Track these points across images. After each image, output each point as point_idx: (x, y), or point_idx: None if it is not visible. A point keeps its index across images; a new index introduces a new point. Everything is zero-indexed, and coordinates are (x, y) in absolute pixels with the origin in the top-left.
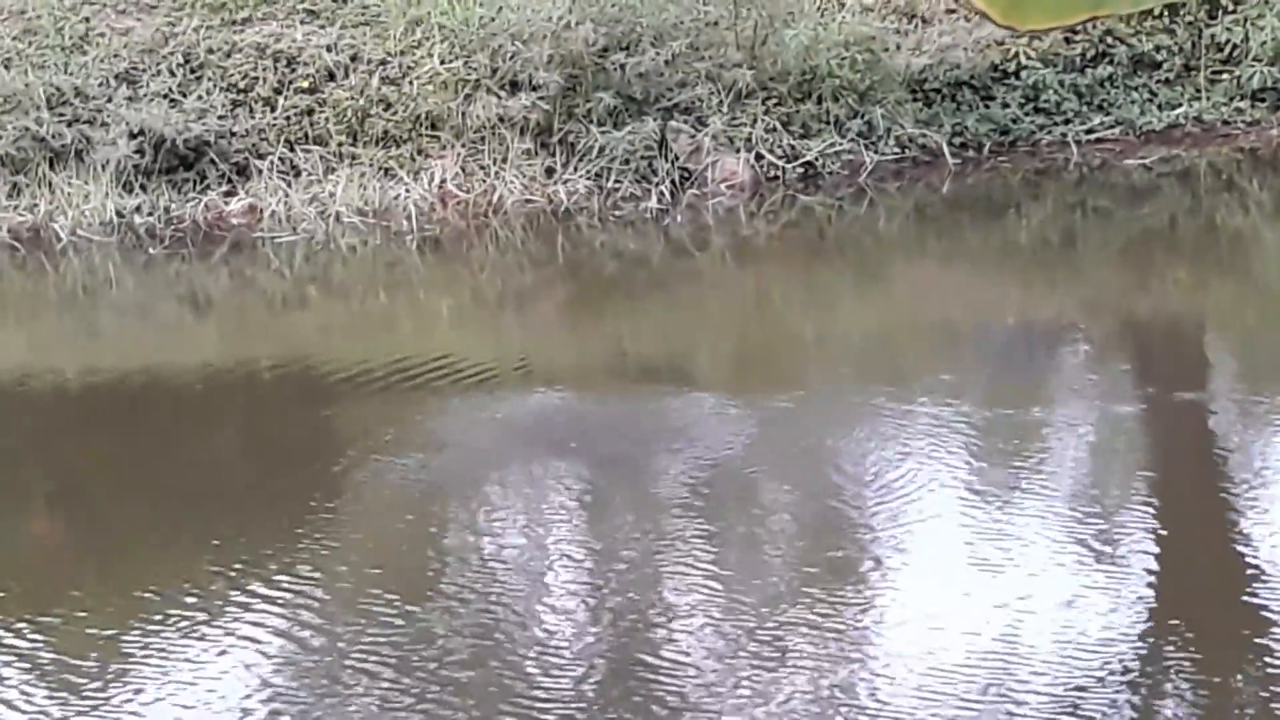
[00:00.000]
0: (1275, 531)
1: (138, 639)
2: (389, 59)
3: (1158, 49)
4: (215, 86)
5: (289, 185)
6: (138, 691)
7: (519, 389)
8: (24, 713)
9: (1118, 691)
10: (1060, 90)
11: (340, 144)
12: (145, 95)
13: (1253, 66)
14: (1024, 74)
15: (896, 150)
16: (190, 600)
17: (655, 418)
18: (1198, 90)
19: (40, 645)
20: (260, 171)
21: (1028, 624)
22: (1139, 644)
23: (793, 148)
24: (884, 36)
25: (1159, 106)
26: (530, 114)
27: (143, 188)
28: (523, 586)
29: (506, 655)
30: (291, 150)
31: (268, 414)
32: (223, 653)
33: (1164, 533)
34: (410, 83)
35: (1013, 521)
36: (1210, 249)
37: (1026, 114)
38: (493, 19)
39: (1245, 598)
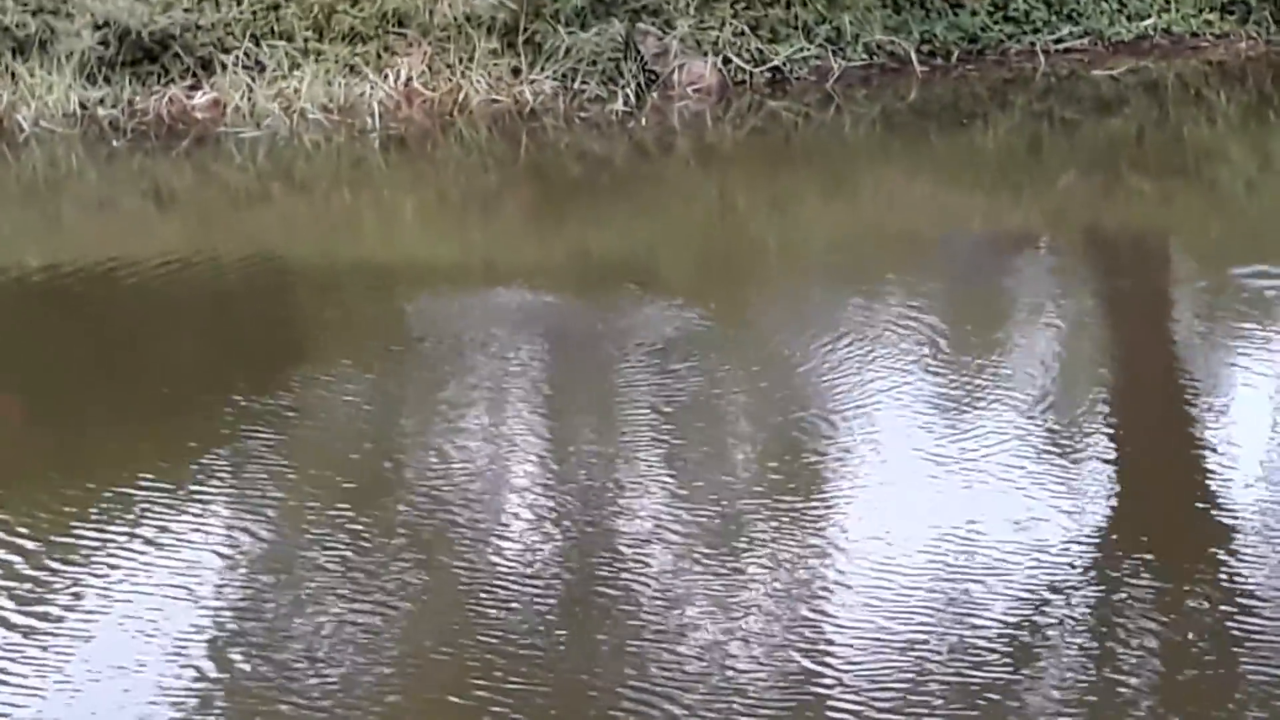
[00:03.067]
0: (1235, 437)
1: (97, 530)
2: None
3: None
4: None
5: (254, 80)
6: (114, 569)
7: (479, 288)
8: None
9: (1077, 602)
10: None
11: (306, 40)
12: None
13: None
14: None
15: (864, 57)
16: (150, 491)
17: (612, 317)
18: (1167, 1)
19: (9, 532)
20: (225, 66)
21: (986, 535)
22: (1098, 553)
23: (760, 52)
24: None
25: (1128, 17)
26: (497, 13)
27: (106, 80)
28: (477, 479)
29: (464, 540)
30: (257, 45)
31: (229, 308)
32: (184, 542)
33: (1124, 439)
34: None
35: (971, 428)
36: (1176, 161)
37: (995, 22)
38: None
39: (1203, 505)
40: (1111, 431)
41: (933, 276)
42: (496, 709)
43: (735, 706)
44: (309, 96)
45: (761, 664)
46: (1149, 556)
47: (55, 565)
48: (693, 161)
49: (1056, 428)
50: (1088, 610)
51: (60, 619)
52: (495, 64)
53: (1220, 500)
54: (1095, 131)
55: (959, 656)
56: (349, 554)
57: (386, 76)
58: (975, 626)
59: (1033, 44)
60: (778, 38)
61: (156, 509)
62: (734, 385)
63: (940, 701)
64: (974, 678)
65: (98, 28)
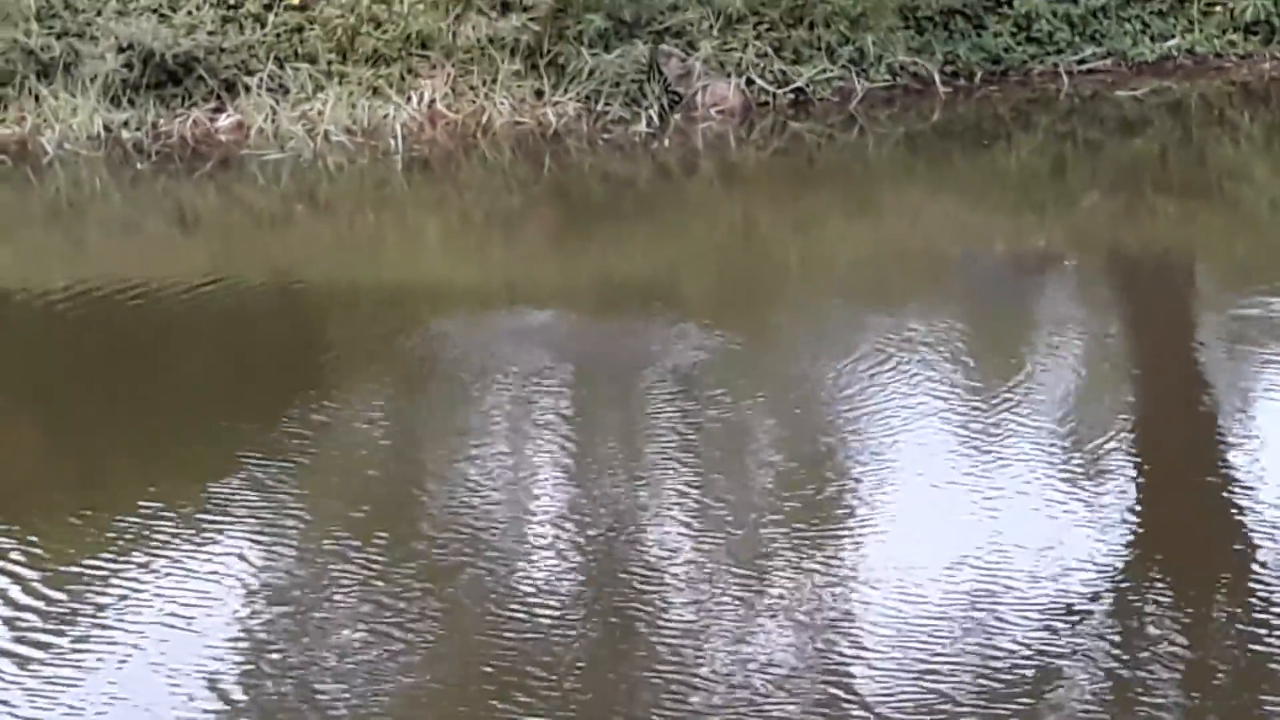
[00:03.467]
0: (1259, 460)
1: (119, 550)
2: None
3: None
4: (205, 1)
5: (277, 103)
6: (121, 599)
7: (503, 309)
8: (6, 615)
9: (1100, 628)
10: (1053, 20)
11: (330, 62)
12: (135, 9)
13: None
14: (1017, 3)
15: (888, 78)
16: (172, 512)
17: (635, 339)
18: (1190, 22)
19: (21, 556)
20: (249, 88)
21: (1010, 560)
22: (1119, 574)
23: (784, 73)
24: None
25: (1151, 38)
26: (521, 35)
27: (131, 102)
28: (497, 505)
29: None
30: (281, 68)
31: (251, 331)
32: (206, 563)
33: (1147, 462)
34: (401, 1)
35: (995, 449)
36: (1199, 180)
37: (1019, 43)
38: None
39: (1227, 529)
40: (1134, 455)
41: (955, 299)
42: None
43: None
44: (332, 119)
45: (787, 692)
46: (1172, 580)
47: (64, 592)
48: (716, 183)
49: (1080, 452)
50: (1111, 635)
51: (66, 647)
52: (518, 86)
53: (1244, 524)
54: (1118, 152)
55: (984, 682)
56: (366, 581)
57: (410, 98)
58: (999, 652)
59: (1056, 65)
60: (801, 59)
61: (170, 535)
62: (757, 408)
63: None
64: (999, 706)
65: (122, 50)
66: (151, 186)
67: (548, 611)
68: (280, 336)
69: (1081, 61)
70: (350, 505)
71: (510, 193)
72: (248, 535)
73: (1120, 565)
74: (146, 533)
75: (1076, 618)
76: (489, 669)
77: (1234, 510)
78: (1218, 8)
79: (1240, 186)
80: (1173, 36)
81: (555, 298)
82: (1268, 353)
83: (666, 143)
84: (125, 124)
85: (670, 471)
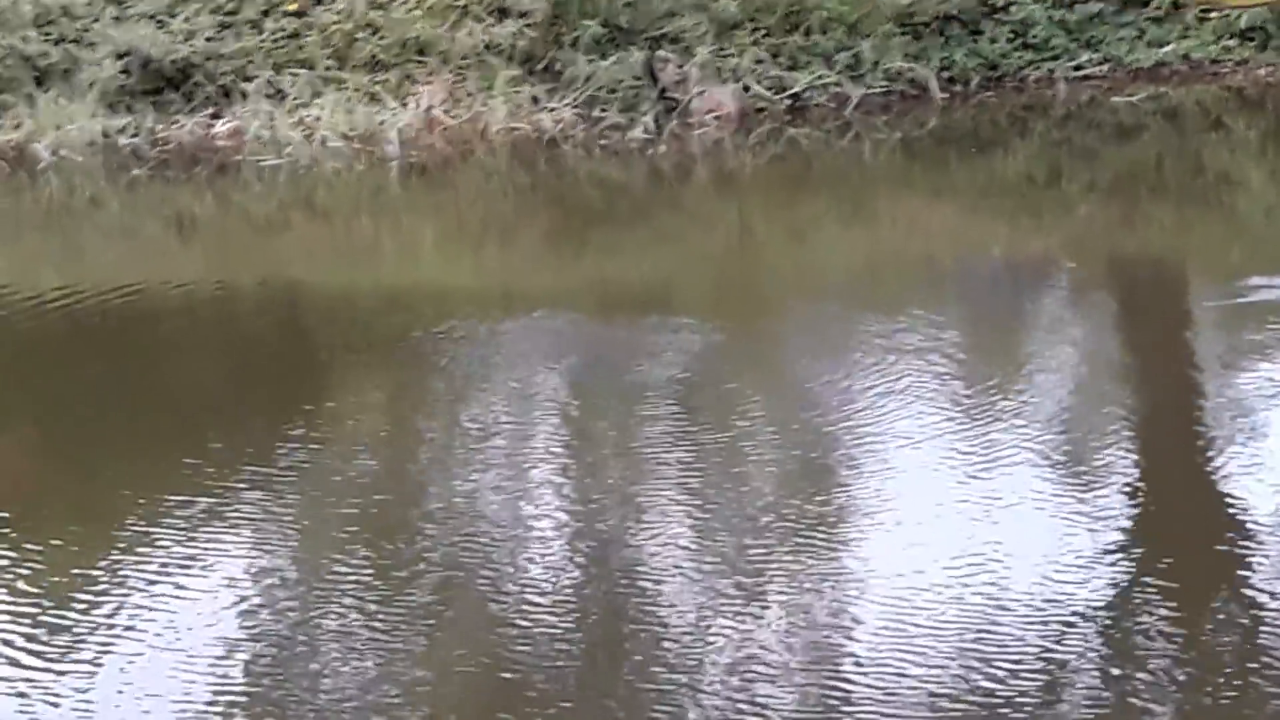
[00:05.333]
0: (1255, 470)
1: (118, 556)
2: None
3: None
4: (203, 7)
5: (275, 108)
6: (116, 609)
7: (499, 315)
8: (8, 629)
9: (1099, 637)
10: (1049, 26)
11: (327, 68)
12: (132, 15)
13: (1241, 5)
14: (1013, 9)
15: (884, 84)
16: (164, 525)
17: (632, 344)
18: (1186, 28)
19: (22, 561)
20: (246, 94)
21: (1008, 569)
22: (1120, 583)
23: (780, 79)
24: None
25: (1147, 44)
26: (518, 41)
27: (128, 108)
28: (496, 511)
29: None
30: (278, 73)
31: (248, 336)
32: (206, 567)
33: (1145, 469)
34: (398, 7)
35: (992, 461)
36: (1195, 187)
37: (1015, 49)
38: None
39: (1227, 535)
40: (1133, 462)
41: (952, 305)
42: None
43: None
44: (330, 124)
45: (785, 703)
46: (1173, 587)
47: (58, 599)
48: (712, 188)
49: (1078, 459)
50: (1110, 645)
51: (72, 658)
52: (515, 92)
53: (1245, 531)
54: (1115, 158)
55: (982, 693)
56: (368, 588)
57: (407, 104)
58: (998, 662)
59: (1052, 71)
60: (797, 65)
61: (167, 542)
62: (754, 416)
63: None
64: (1001, 714)
65: (119, 57)
66: (149, 192)
67: (548, 621)
68: (279, 341)
69: (1078, 68)
70: (348, 512)
71: (507, 198)
72: (245, 541)
73: (1120, 574)
74: (148, 540)
75: (1078, 627)
76: (490, 680)
77: (1233, 517)
78: (1213, 13)
79: (1236, 192)
80: (1169, 43)
81: (551, 303)
82: (1266, 355)
83: (663, 149)
84: (122, 130)
85: (668, 481)
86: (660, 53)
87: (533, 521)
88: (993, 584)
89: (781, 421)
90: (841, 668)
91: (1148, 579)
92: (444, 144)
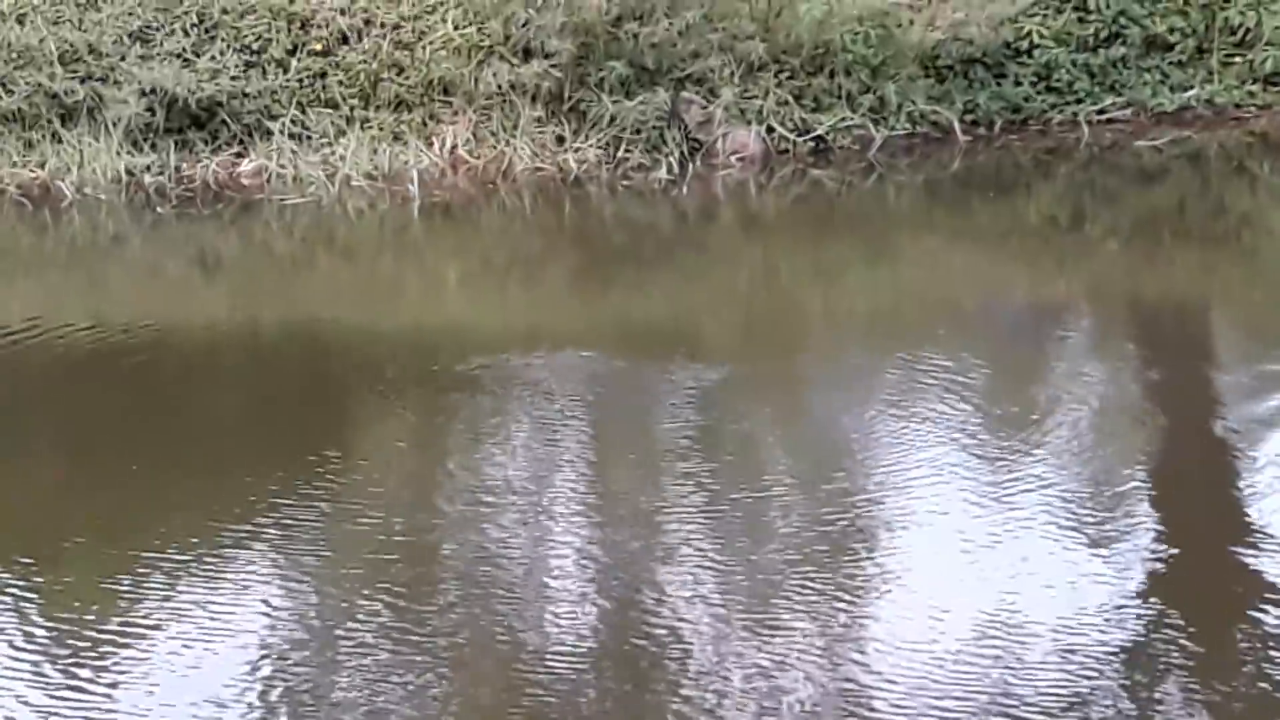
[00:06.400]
0: (1277, 516)
1: (141, 590)
2: (402, 23)
3: (1171, 30)
4: (229, 47)
5: (299, 148)
6: (137, 639)
7: (523, 355)
8: (31, 660)
9: (1117, 681)
10: (1073, 70)
11: (352, 107)
12: (158, 54)
13: (1266, 50)
14: (1037, 52)
15: (907, 126)
16: (191, 555)
17: (656, 385)
18: (1210, 73)
19: (43, 593)
20: (271, 133)
21: (1026, 611)
22: (1140, 618)
23: (804, 121)
24: (897, 11)
25: (1171, 88)
26: (542, 81)
27: (153, 146)
28: (519, 550)
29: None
30: (303, 113)
31: (271, 375)
32: (230, 602)
33: (1165, 515)
34: (423, 48)
35: (1012, 503)
36: (1218, 232)
37: (1038, 93)
38: None
39: (1244, 582)
40: (1152, 508)
41: (974, 347)
42: None
43: None
44: (354, 164)
45: None
46: (1192, 630)
47: (88, 634)
48: (736, 229)
49: (1097, 503)
50: (1134, 680)
51: (92, 688)
52: (540, 132)
53: (1264, 580)
54: (1137, 202)
55: None
56: (390, 624)
57: (431, 144)
58: (1018, 702)
59: (1075, 114)
60: (821, 107)
61: (191, 578)
62: (777, 453)
63: None
64: None
65: (145, 95)
66: (173, 230)
67: (570, 651)
68: (302, 380)
69: (1101, 111)
70: (369, 547)
71: (531, 238)
72: (267, 577)
73: (1141, 609)
74: (172, 576)
75: (1096, 671)
76: (516, 710)
77: (1253, 564)
78: (1237, 58)
79: (1259, 236)
80: (1192, 87)
81: (575, 343)
82: None
83: (686, 189)
84: (147, 168)
85: (690, 515)
86: (685, 94)
87: (554, 564)
88: (1015, 618)
89: (805, 459)
90: (862, 701)
91: (1168, 630)
92: (467, 184)
